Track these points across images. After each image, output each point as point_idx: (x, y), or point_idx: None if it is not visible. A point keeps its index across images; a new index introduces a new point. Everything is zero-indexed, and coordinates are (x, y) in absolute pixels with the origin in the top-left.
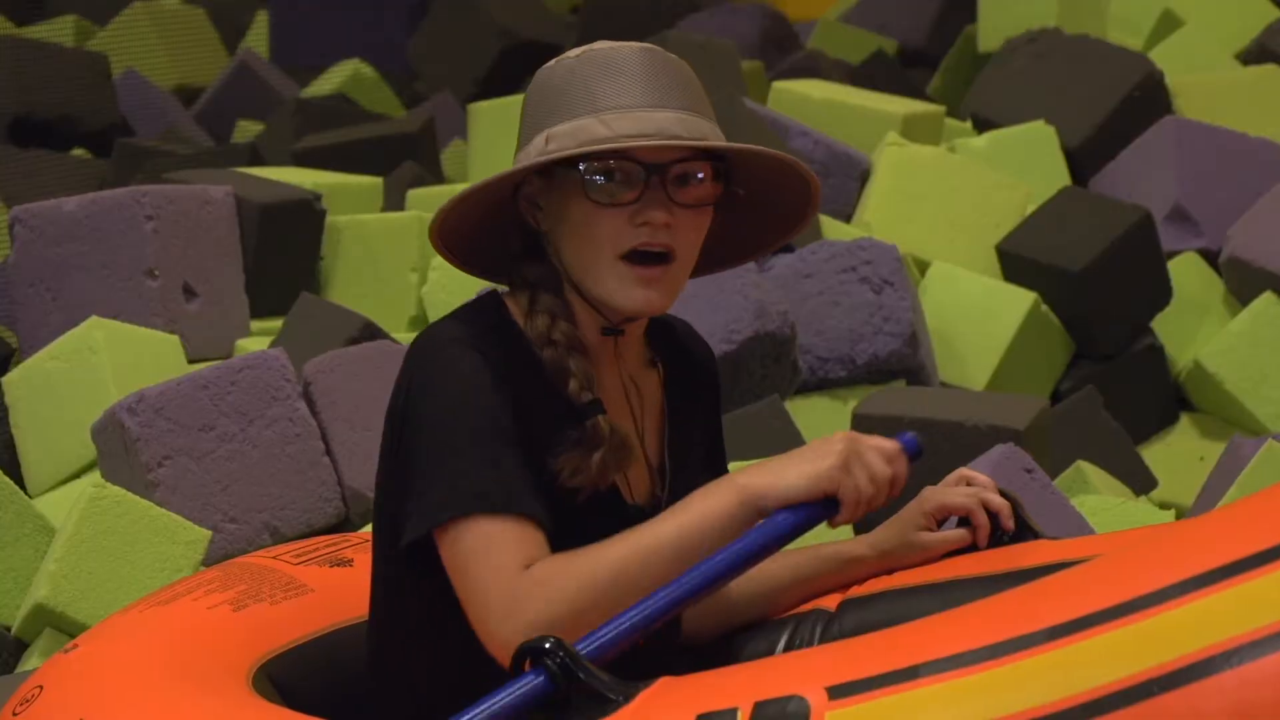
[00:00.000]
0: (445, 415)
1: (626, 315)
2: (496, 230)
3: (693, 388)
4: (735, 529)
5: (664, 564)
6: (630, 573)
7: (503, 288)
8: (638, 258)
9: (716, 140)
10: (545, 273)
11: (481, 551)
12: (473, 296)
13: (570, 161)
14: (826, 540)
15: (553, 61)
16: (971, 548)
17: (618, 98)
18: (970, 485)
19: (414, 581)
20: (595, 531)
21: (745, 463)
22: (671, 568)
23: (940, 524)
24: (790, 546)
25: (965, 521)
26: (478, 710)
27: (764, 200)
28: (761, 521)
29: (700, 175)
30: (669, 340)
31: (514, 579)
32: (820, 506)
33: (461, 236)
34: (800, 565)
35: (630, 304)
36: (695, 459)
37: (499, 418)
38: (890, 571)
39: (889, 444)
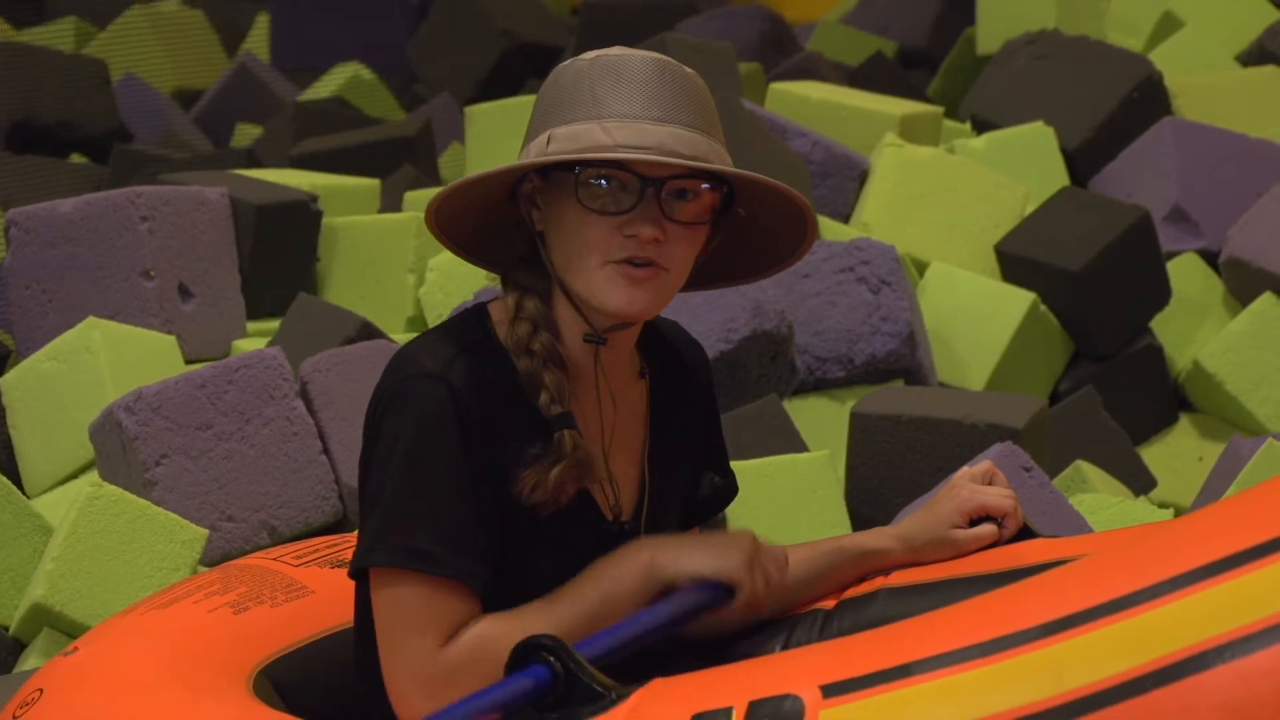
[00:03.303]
0: (403, 458)
1: (611, 316)
2: (499, 228)
3: (683, 394)
4: (640, 599)
5: (581, 630)
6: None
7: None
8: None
9: (719, 161)
10: (537, 280)
11: (409, 610)
12: (469, 298)
13: (568, 164)
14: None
15: (568, 61)
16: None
17: (623, 106)
18: (993, 483)
19: None
20: (571, 546)
21: (744, 463)
22: (587, 632)
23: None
24: (803, 541)
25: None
26: (475, 700)
27: (764, 223)
28: (671, 594)
29: (697, 193)
30: (659, 346)
31: (435, 654)
32: (720, 591)
33: (464, 228)
34: (818, 559)
35: (614, 303)
36: (685, 466)
37: (457, 466)
38: (907, 566)
39: (780, 554)
